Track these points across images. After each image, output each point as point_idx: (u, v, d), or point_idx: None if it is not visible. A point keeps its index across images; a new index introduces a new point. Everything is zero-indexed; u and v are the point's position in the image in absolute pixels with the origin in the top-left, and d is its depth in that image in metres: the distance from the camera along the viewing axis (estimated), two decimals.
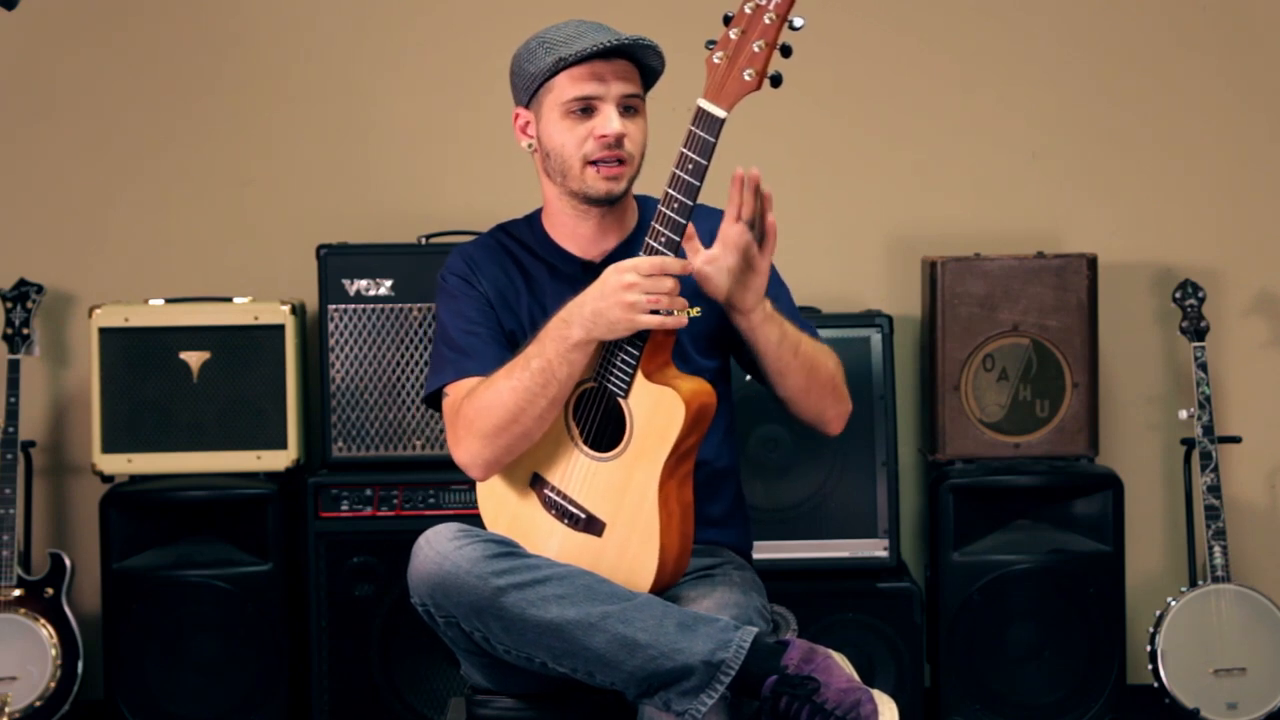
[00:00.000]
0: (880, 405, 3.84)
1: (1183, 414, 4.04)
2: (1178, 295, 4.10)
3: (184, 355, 3.94)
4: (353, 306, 3.90)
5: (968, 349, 3.96)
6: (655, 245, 2.58)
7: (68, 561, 4.03)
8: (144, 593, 3.87)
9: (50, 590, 4.00)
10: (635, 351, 2.62)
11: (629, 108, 2.73)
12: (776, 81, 2.56)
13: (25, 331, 4.08)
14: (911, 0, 4.29)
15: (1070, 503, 3.96)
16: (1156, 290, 4.25)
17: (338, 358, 3.90)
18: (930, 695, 3.95)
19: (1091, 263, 3.94)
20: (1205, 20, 4.26)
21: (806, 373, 2.71)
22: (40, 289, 4.13)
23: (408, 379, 3.88)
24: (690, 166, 2.58)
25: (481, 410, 2.67)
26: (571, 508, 2.68)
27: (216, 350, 3.95)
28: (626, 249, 2.81)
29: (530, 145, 2.80)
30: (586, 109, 2.71)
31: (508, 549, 2.62)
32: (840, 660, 2.60)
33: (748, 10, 2.53)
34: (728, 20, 2.54)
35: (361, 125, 4.27)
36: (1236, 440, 4.12)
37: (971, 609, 3.89)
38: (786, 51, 2.54)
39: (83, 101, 4.27)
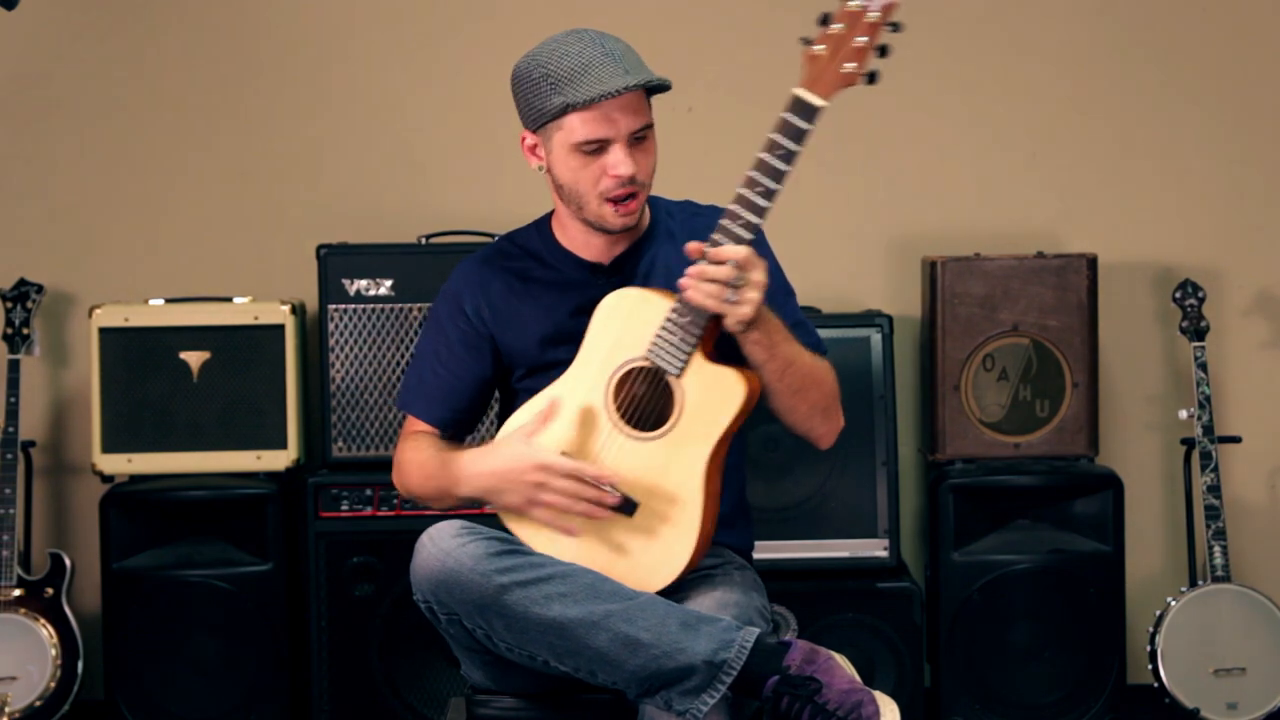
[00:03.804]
0: (880, 405, 3.84)
1: (1183, 414, 4.04)
2: (1178, 295, 4.10)
3: (184, 355, 3.94)
4: (353, 306, 3.90)
5: (968, 349, 3.96)
6: (733, 228, 2.57)
7: (68, 561, 4.03)
8: (144, 593, 3.87)
9: (50, 590, 4.00)
10: (698, 332, 2.60)
11: (638, 138, 2.71)
12: (873, 78, 2.59)
13: (25, 331, 4.08)
14: (911, 0, 4.28)
15: (1070, 503, 3.97)
16: (1156, 290, 4.25)
17: (338, 358, 3.90)
18: (930, 695, 3.95)
19: (1091, 263, 3.95)
20: (1205, 20, 4.26)
21: (792, 394, 2.71)
22: (40, 289, 4.13)
23: None
24: (781, 152, 2.58)
25: (405, 471, 2.84)
26: (610, 489, 2.63)
27: (216, 350, 3.94)
28: (636, 252, 2.81)
29: (540, 168, 2.78)
30: (598, 149, 2.69)
31: (511, 546, 2.63)
32: (842, 661, 2.60)
33: (851, 7, 2.54)
34: (825, 20, 2.55)
35: (362, 125, 4.27)
36: (1236, 440, 4.12)
37: (971, 609, 3.89)
38: (884, 51, 2.57)
39: (83, 101, 4.27)
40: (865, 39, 2.54)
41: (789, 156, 2.58)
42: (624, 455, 2.64)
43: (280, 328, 3.95)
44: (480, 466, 2.71)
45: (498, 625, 2.58)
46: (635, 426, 2.65)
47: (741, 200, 2.59)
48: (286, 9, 4.27)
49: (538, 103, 2.69)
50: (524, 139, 2.78)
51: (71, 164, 4.27)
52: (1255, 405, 4.27)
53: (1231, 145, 4.27)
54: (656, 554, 2.62)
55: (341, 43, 4.28)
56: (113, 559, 3.88)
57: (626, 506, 2.61)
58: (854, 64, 2.56)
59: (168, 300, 4.00)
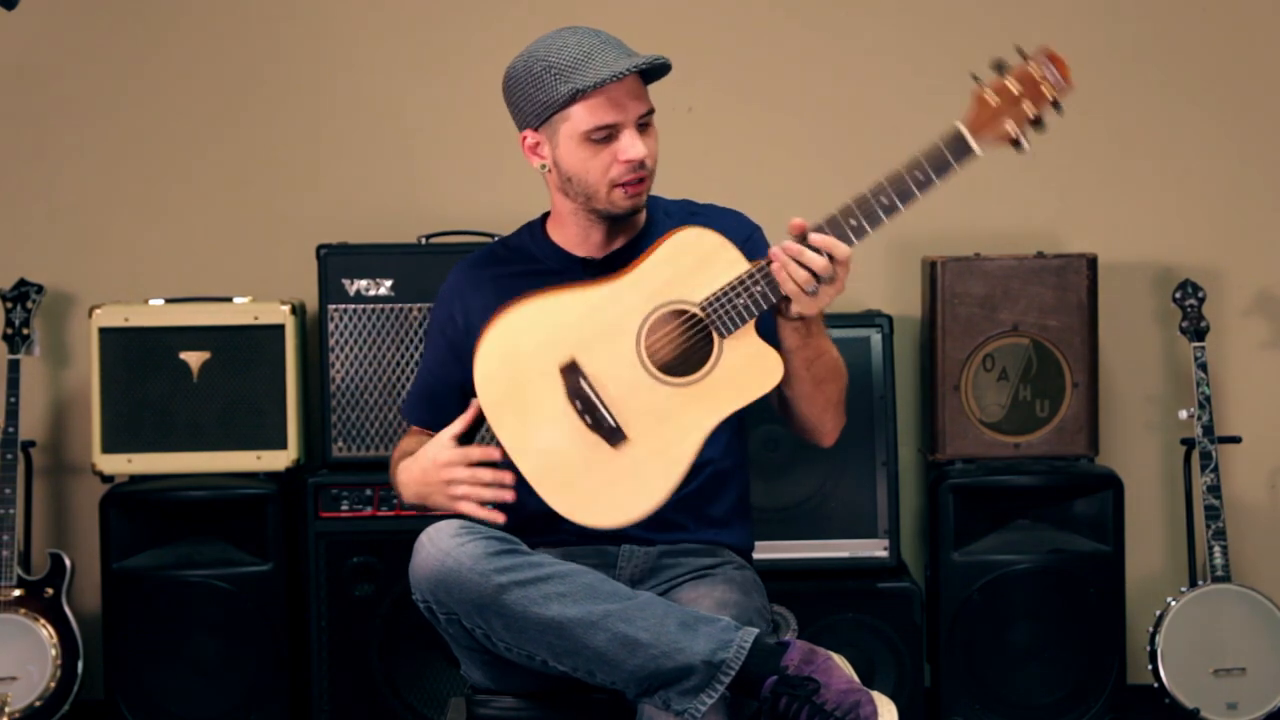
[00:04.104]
0: (880, 405, 3.84)
1: (1183, 414, 4.04)
2: (1178, 295, 4.10)
3: (184, 355, 3.94)
4: (353, 306, 3.90)
5: (968, 349, 3.96)
6: (844, 224, 2.56)
7: (68, 561, 4.03)
8: (144, 593, 3.87)
9: (50, 590, 4.01)
10: (765, 304, 2.58)
11: (644, 124, 2.72)
12: (1019, 146, 2.59)
13: (25, 331, 4.08)
14: (912, 0, 4.29)
15: (1070, 503, 3.97)
16: (1156, 290, 4.25)
17: (338, 358, 3.90)
18: (930, 695, 3.95)
19: (1091, 263, 3.95)
20: (1205, 20, 4.26)
21: (815, 384, 2.71)
22: (40, 289, 4.13)
23: (408, 379, 3.88)
24: (920, 178, 2.57)
25: (396, 473, 2.85)
26: (601, 409, 2.61)
27: (216, 350, 3.95)
28: (631, 248, 2.81)
29: (544, 167, 2.77)
30: (606, 135, 2.69)
31: (510, 546, 2.63)
32: (840, 662, 2.60)
33: (1031, 71, 2.54)
34: (1001, 68, 2.54)
35: (362, 125, 4.27)
36: (1236, 440, 4.12)
37: (971, 609, 3.89)
38: (1039, 123, 2.57)
39: (83, 101, 4.27)
40: (1032, 107, 2.55)
41: (926, 184, 2.58)
42: (636, 389, 2.60)
43: (280, 328, 3.95)
44: (408, 475, 2.77)
45: (496, 625, 2.59)
46: (658, 366, 2.62)
47: (863, 203, 2.58)
48: (287, 9, 4.28)
49: (542, 95, 2.69)
50: (524, 139, 2.77)
51: (72, 164, 4.27)
52: (1255, 405, 4.27)
53: (1231, 145, 4.27)
54: (619, 494, 2.60)
55: (342, 43, 4.28)
56: (113, 559, 3.88)
57: (613, 436, 2.59)
58: (1015, 124, 2.55)
59: (168, 300, 4.00)
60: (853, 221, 2.58)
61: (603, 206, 2.74)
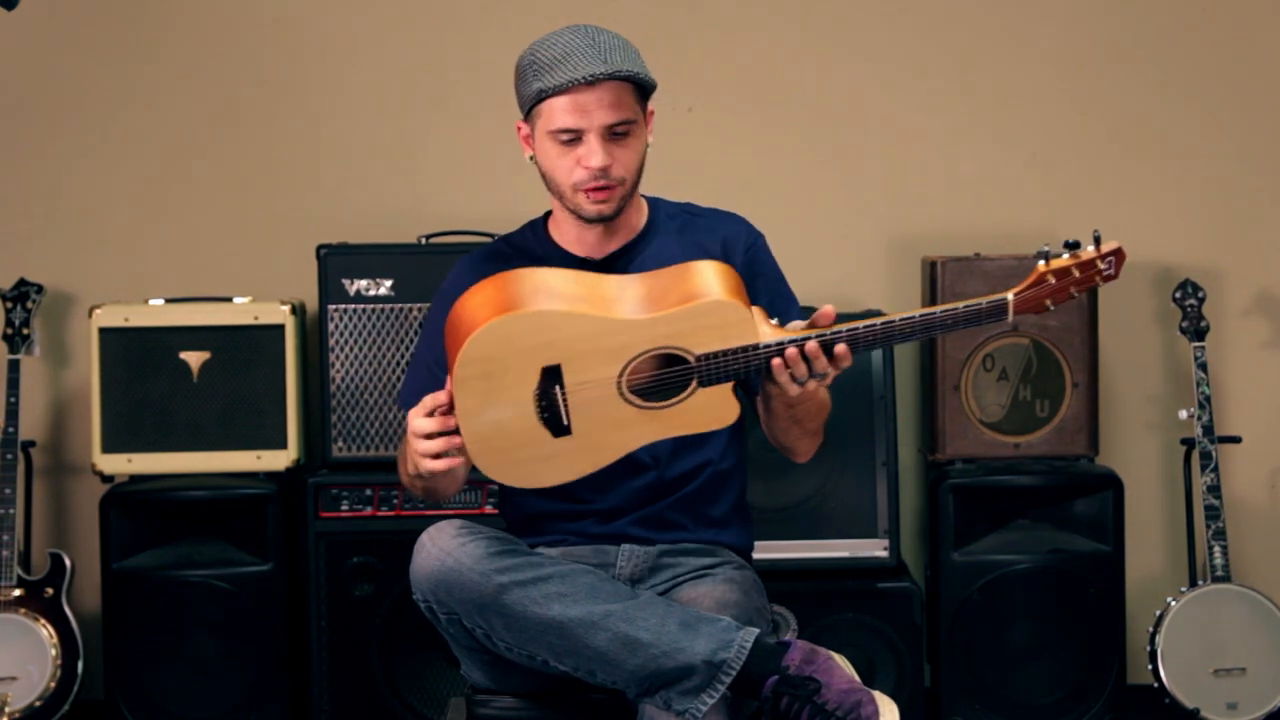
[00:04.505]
0: (880, 405, 3.83)
1: (1183, 414, 4.04)
2: (1178, 295, 4.10)
3: (184, 355, 3.94)
4: (353, 306, 3.90)
5: (968, 349, 3.96)
6: (863, 333, 2.57)
7: (68, 561, 4.03)
8: (144, 593, 3.87)
9: (50, 590, 4.00)
10: (753, 375, 2.59)
11: (617, 133, 2.70)
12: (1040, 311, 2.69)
13: (25, 331, 4.08)
14: (912, 0, 4.29)
15: (1070, 503, 3.97)
16: (1156, 290, 4.25)
17: (338, 358, 3.90)
18: (930, 695, 3.95)
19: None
20: (1205, 20, 4.26)
21: (791, 423, 2.74)
22: (40, 289, 4.13)
23: None
24: (950, 322, 2.58)
25: (399, 468, 2.78)
26: (561, 410, 2.59)
27: (216, 350, 3.95)
28: (633, 249, 2.81)
29: (531, 157, 2.79)
30: (573, 138, 2.69)
31: (510, 546, 2.63)
32: (841, 661, 2.60)
33: (1096, 261, 2.58)
34: (1072, 246, 2.58)
35: (362, 125, 4.27)
36: (1236, 440, 4.12)
37: (971, 609, 3.89)
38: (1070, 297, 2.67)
39: (83, 102, 4.27)
40: (1076, 289, 2.59)
41: (951, 329, 2.61)
42: (601, 401, 2.59)
43: (280, 328, 3.95)
44: (401, 458, 2.74)
45: (497, 625, 2.59)
46: (631, 387, 2.61)
47: (890, 325, 2.57)
48: (287, 9, 4.27)
49: (524, 89, 2.72)
50: (519, 128, 2.79)
51: (72, 164, 4.27)
52: (1255, 405, 4.27)
53: (1231, 145, 4.27)
54: (538, 468, 2.59)
55: (342, 43, 4.28)
56: (113, 559, 3.88)
57: (559, 431, 2.60)
58: (1053, 303, 2.60)
59: (168, 300, 4.00)
60: (875, 337, 2.58)
61: (571, 207, 2.75)
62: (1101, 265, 2.58)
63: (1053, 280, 2.58)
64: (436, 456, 2.58)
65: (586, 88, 2.65)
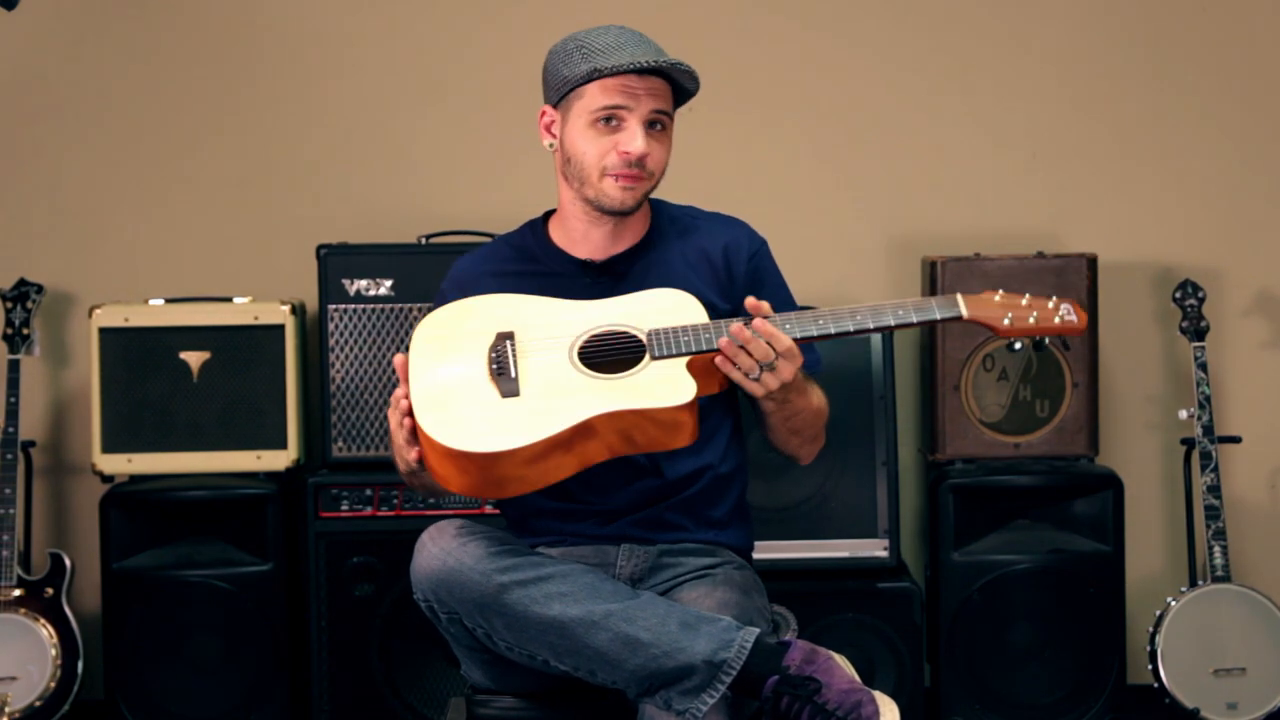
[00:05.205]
0: (880, 405, 3.83)
1: (1183, 414, 4.04)
2: (1178, 295, 4.10)
3: (184, 355, 3.94)
4: (353, 306, 3.90)
5: (968, 349, 3.96)
6: (804, 322, 2.65)
7: (68, 561, 4.03)
8: (144, 593, 3.87)
9: (50, 590, 4.00)
10: (703, 348, 2.62)
11: (656, 124, 2.73)
12: (1011, 348, 2.81)
13: (25, 331, 4.08)
14: (912, 0, 4.30)
15: (1070, 503, 3.97)
16: (1156, 290, 4.25)
17: (338, 358, 3.90)
18: (930, 695, 3.95)
19: (1091, 263, 3.95)
20: (1205, 20, 4.26)
21: (789, 433, 2.78)
22: (40, 289, 4.13)
23: None
24: (901, 316, 2.65)
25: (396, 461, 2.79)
26: (511, 368, 2.63)
27: (216, 350, 3.95)
28: (637, 252, 2.82)
29: (552, 145, 2.80)
30: (614, 120, 2.71)
31: (511, 546, 2.63)
32: (841, 661, 2.61)
33: (1051, 303, 2.71)
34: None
35: (362, 125, 4.27)
36: (1236, 440, 4.12)
37: (971, 609, 3.89)
38: (1039, 345, 2.76)
39: (83, 102, 4.27)
40: (1037, 320, 2.68)
41: (902, 325, 2.66)
42: (551, 366, 2.64)
43: (280, 328, 3.95)
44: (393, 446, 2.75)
45: (498, 624, 2.59)
46: (584, 361, 2.65)
47: (835, 314, 2.65)
48: (287, 9, 4.27)
49: (566, 71, 2.72)
50: (543, 114, 2.80)
51: (72, 164, 4.27)
52: (1255, 405, 4.27)
53: (1231, 145, 4.27)
54: (480, 428, 2.58)
55: (342, 43, 4.28)
56: (113, 559, 3.88)
57: (508, 389, 2.61)
58: (1008, 324, 2.67)
59: (168, 300, 4.00)
60: (816, 324, 2.64)
61: (593, 194, 2.75)
62: (1061, 310, 2.69)
63: (1001, 299, 2.68)
64: (410, 444, 2.64)
65: (638, 75, 2.70)
